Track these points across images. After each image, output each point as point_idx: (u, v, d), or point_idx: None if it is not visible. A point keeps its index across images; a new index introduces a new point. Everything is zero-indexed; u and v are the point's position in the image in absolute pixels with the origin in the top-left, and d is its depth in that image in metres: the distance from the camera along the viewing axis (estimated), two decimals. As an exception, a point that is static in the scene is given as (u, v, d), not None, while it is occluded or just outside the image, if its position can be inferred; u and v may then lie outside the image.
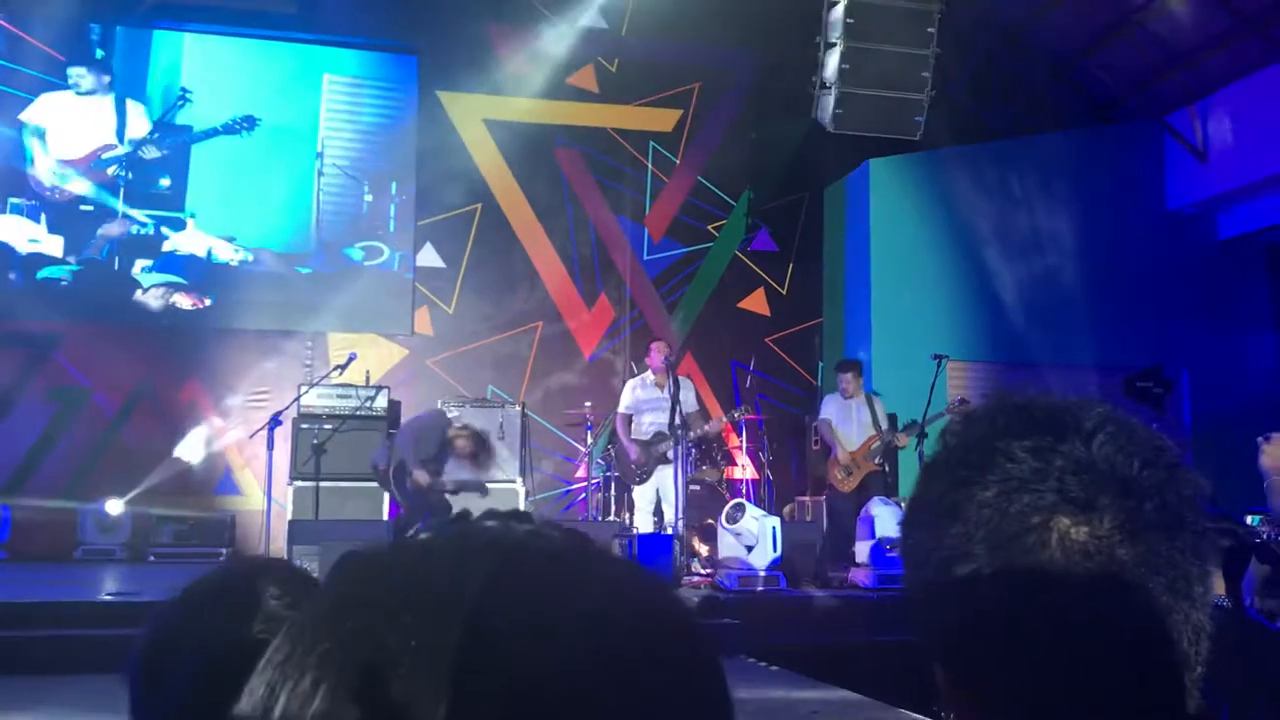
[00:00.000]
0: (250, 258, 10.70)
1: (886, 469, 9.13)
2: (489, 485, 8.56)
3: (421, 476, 7.82)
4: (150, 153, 10.58)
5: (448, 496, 8.15)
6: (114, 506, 9.32)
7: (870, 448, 8.98)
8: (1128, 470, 0.70)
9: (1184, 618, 0.68)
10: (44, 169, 10.33)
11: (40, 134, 10.36)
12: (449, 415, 8.63)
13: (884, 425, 9.06)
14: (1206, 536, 0.70)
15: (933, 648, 0.74)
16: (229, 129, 10.69)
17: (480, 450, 8.27)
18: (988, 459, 0.71)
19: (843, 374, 9.28)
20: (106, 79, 10.57)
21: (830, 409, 9.31)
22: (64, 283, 10.24)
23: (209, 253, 10.61)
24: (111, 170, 10.52)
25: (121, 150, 10.54)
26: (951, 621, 0.72)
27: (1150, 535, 0.68)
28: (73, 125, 10.44)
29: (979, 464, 0.72)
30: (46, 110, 10.39)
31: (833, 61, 9.52)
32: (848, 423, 9.13)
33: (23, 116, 10.32)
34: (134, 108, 10.62)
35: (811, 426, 10.52)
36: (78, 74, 10.47)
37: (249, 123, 10.70)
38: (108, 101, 10.56)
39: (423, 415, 8.55)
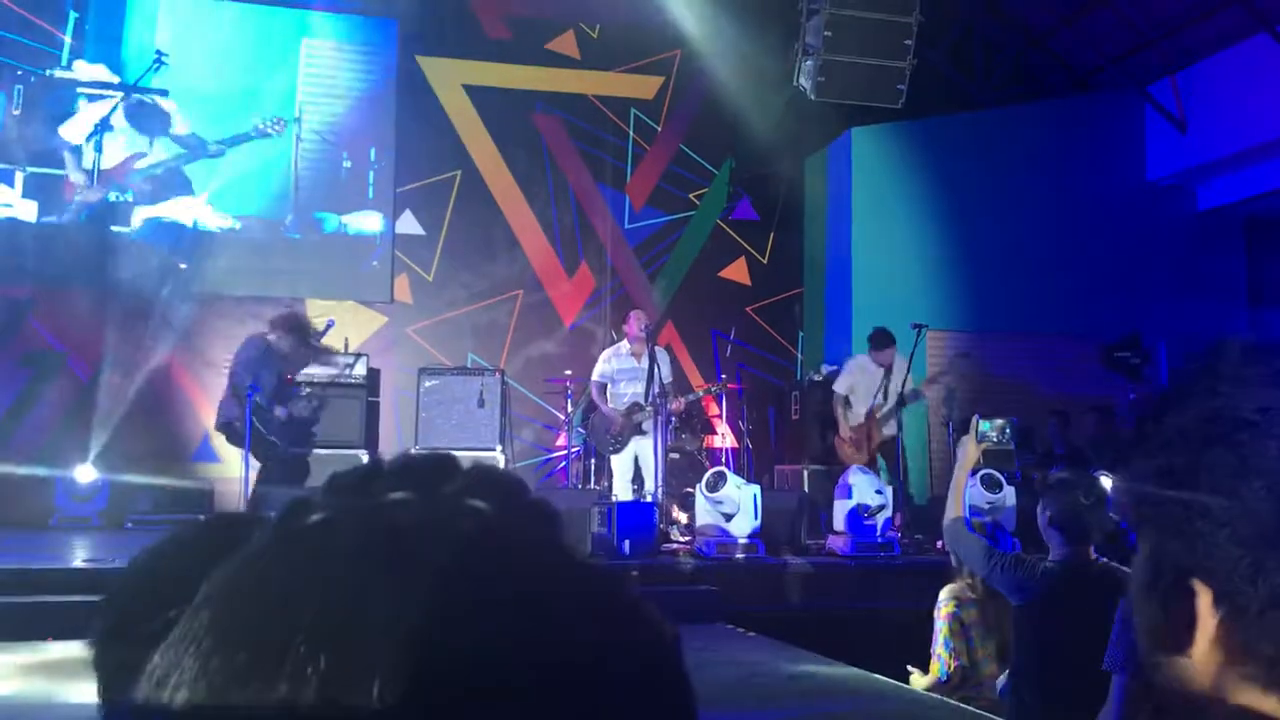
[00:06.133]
0: (228, 224, 10.61)
1: (899, 436, 9.02)
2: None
3: (280, 411, 7.69)
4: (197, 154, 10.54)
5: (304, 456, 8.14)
6: (84, 473, 9.26)
7: (877, 417, 8.89)
8: None
9: None
10: (78, 182, 10.25)
11: (74, 152, 10.27)
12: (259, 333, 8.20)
13: (894, 393, 8.87)
14: None
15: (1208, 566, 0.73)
16: (261, 134, 10.57)
17: (302, 330, 8.04)
18: None
19: (890, 347, 8.85)
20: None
21: (852, 380, 9.05)
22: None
23: (194, 220, 10.51)
24: (142, 179, 10.45)
25: (162, 156, 10.45)
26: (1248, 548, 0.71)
27: None
28: (109, 138, 10.35)
29: None
30: (83, 126, 10.31)
31: (815, 28, 9.47)
32: (868, 395, 8.92)
33: (61, 131, 10.25)
34: (167, 106, 10.51)
35: (791, 395, 10.54)
36: (97, 72, 10.38)
37: (279, 124, 10.58)
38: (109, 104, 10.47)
39: (238, 353, 8.07)
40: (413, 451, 0.50)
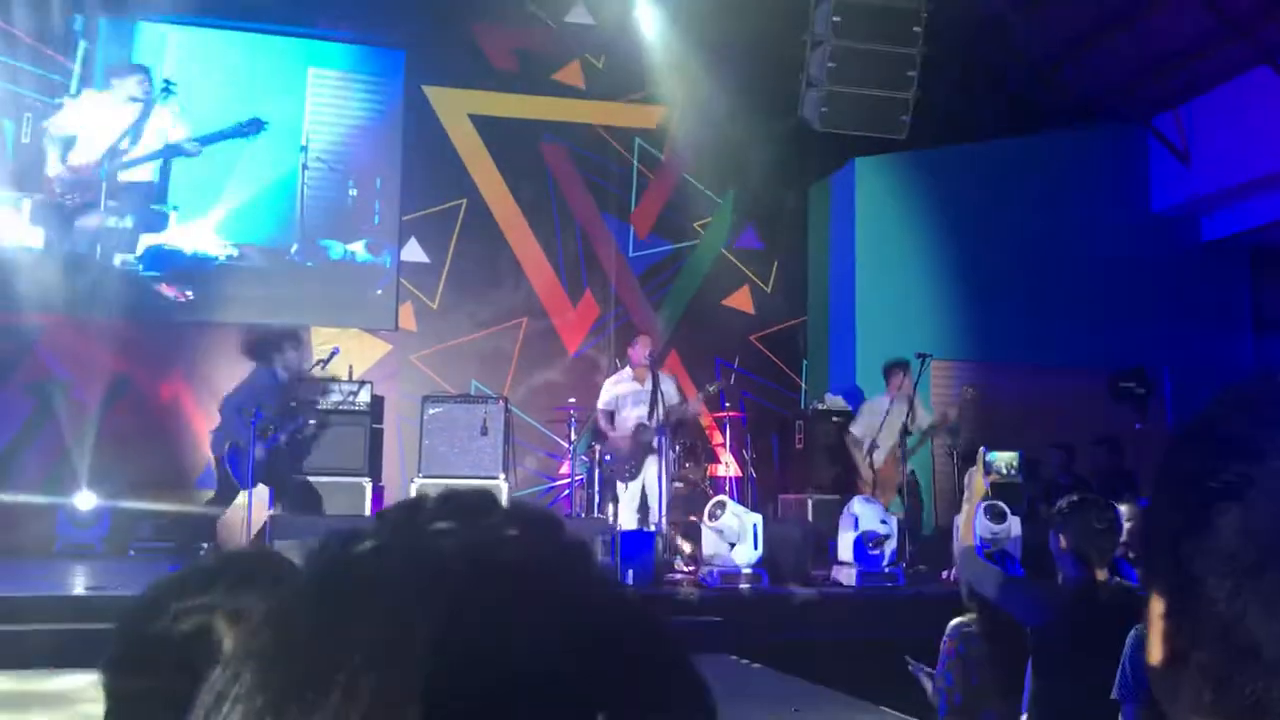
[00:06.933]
0: (234, 252, 10.65)
1: (914, 473, 9.02)
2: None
3: (259, 452, 7.78)
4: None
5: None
6: (86, 500, 9.26)
7: (895, 459, 8.88)
8: None
9: None
10: (57, 176, 10.27)
11: (62, 142, 10.31)
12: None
13: (914, 427, 8.86)
14: None
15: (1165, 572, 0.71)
16: (238, 132, 10.63)
17: (287, 345, 8.25)
18: None
19: (903, 370, 8.93)
20: (145, 88, 10.50)
21: (869, 423, 9.02)
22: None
23: (193, 246, 10.55)
24: (129, 174, 10.48)
25: (137, 154, 10.48)
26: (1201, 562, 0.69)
27: None
28: (94, 130, 10.39)
29: None
30: (71, 118, 10.35)
31: (819, 60, 9.52)
32: (894, 432, 8.92)
33: (47, 124, 10.27)
34: (162, 111, 10.56)
35: (796, 424, 10.51)
36: (135, 82, 10.43)
37: (255, 126, 10.64)
38: (135, 108, 10.51)
39: (245, 383, 8.39)
40: (455, 486, 0.52)
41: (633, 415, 8.70)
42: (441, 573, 0.44)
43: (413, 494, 8.96)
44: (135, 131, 10.48)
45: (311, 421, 8.63)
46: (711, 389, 9.07)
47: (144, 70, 10.51)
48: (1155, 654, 0.71)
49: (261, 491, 8.75)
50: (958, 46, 10.60)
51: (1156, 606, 0.71)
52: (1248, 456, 0.68)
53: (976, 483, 4.21)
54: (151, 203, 10.54)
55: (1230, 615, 0.66)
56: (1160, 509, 0.73)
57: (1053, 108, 11.77)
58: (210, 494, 8.55)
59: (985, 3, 10.60)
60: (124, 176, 10.50)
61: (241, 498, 8.34)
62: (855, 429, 9.15)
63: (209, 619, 1.15)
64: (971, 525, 4.08)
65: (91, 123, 10.40)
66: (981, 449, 4.49)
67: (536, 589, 0.45)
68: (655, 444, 8.44)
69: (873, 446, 8.94)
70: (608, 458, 8.76)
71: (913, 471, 8.93)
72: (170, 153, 10.56)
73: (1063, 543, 3.51)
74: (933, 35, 9.59)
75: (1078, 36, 10.84)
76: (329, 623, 0.43)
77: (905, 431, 8.85)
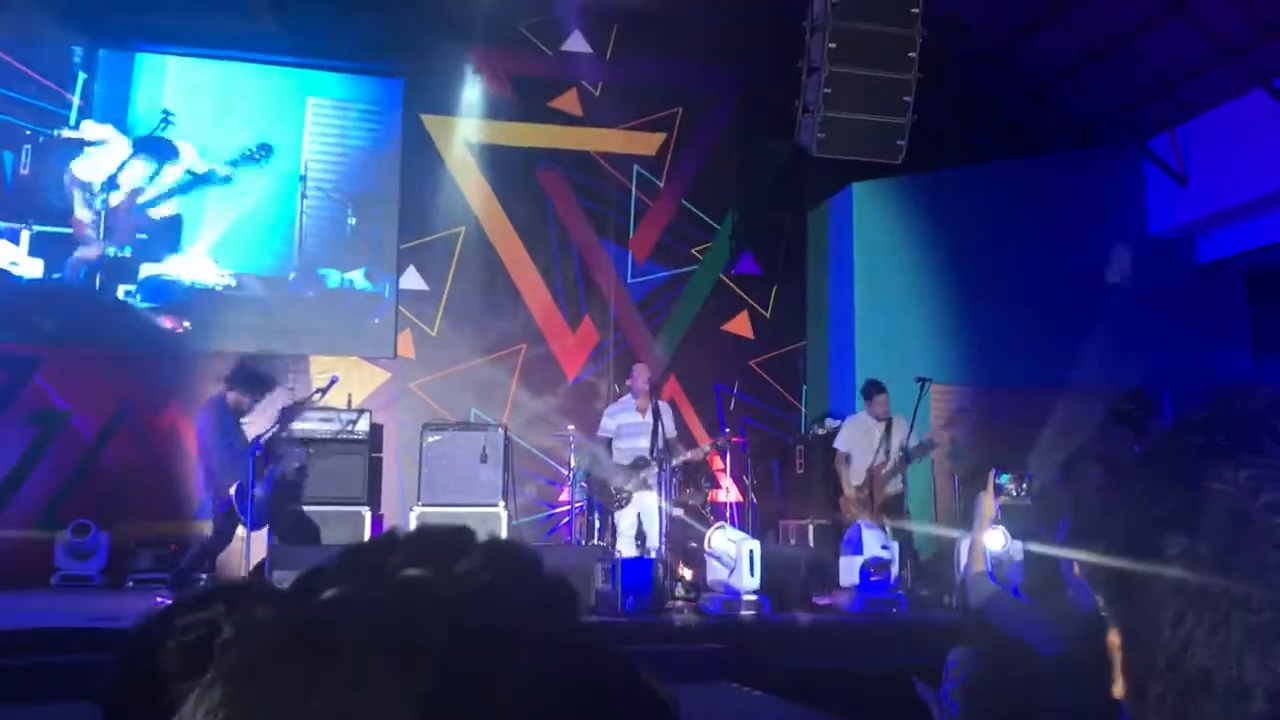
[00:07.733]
0: (232, 281, 10.66)
1: (903, 490, 9.02)
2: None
3: (260, 490, 7.68)
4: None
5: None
6: (82, 531, 9.24)
7: (880, 475, 8.87)
8: None
9: None
10: (88, 221, 10.33)
11: (84, 187, 10.37)
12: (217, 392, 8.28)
13: (894, 450, 8.90)
14: None
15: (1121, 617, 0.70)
16: (248, 159, 10.70)
17: (255, 386, 8.11)
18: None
19: (881, 394, 9.01)
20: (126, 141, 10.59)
21: (851, 437, 9.08)
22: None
23: (191, 276, 10.56)
24: (156, 211, 10.53)
25: (166, 186, 10.57)
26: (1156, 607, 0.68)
27: None
28: (124, 173, 10.51)
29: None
30: (100, 162, 10.43)
31: (815, 85, 9.55)
32: (869, 451, 8.96)
33: (73, 167, 10.36)
34: (185, 147, 10.67)
35: (796, 449, 10.50)
36: (105, 132, 10.54)
37: (264, 151, 10.71)
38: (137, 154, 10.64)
39: (199, 420, 8.28)
40: (429, 523, 0.49)
41: (632, 446, 8.67)
42: (411, 639, 0.42)
43: (412, 523, 8.91)
44: (159, 169, 10.58)
45: (301, 456, 8.59)
46: (720, 443, 9.12)
47: (166, 112, 10.61)
48: (1118, 687, 0.70)
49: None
50: (953, 71, 10.66)
51: (1114, 639, 0.70)
52: (1192, 484, 0.67)
53: (986, 505, 4.16)
54: (180, 235, 10.60)
55: (1177, 645, 0.65)
56: (1114, 538, 0.72)
57: (1049, 131, 11.81)
58: (204, 523, 8.51)
59: (980, 27, 10.66)
60: (154, 213, 10.57)
61: (241, 526, 8.30)
62: (837, 443, 9.17)
63: (218, 625, 1.13)
64: (981, 550, 4.04)
65: (117, 163, 10.46)
66: (993, 471, 4.43)
67: (506, 650, 0.43)
68: (654, 479, 8.42)
69: (849, 460, 8.96)
70: (609, 487, 8.72)
71: (897, 494, 8.90)
72: (201, 181, 10.63)
73: (1076, 570, 3.48)
74: (928, 60, 9.63)
75: (1073, 60, 10.89)
76: (288, 691, 0.41)
77: (885, 453, 8.85)
